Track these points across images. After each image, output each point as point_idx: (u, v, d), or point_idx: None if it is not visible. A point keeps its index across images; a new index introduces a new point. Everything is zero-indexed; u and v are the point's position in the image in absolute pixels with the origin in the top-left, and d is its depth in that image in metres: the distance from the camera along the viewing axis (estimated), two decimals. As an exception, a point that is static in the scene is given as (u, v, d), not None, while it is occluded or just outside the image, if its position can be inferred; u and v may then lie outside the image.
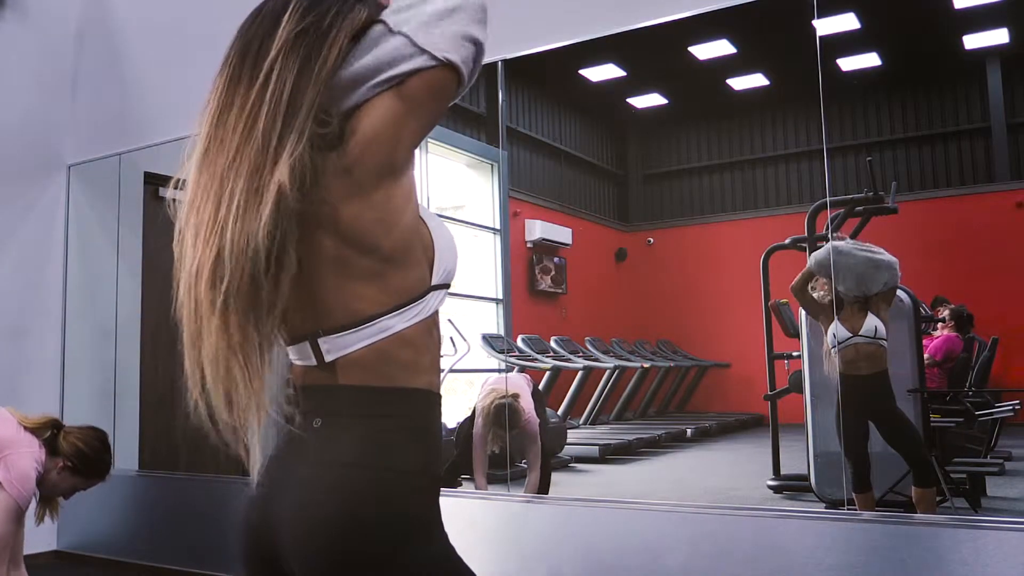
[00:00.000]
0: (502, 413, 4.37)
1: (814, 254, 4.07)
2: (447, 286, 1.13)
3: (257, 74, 1.03)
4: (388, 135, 1.06)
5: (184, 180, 1.07)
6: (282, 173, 0.98)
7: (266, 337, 1.03)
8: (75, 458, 2.75)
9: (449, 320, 6.68)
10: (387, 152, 1.06)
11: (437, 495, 1.11)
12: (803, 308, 4.12)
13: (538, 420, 4.58)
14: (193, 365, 1.06)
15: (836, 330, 3.77)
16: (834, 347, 3.78)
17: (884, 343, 3.79)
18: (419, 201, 1.13)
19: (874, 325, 3.77)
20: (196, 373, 1.06)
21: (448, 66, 1.07)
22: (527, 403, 4.56)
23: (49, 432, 2.74)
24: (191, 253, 1.02)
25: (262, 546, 1.11)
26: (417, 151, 1.12)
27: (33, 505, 2.77)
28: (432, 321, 1.12)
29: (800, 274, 3.99)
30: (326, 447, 1.07)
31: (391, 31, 1.07)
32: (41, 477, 2.68)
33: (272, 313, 1.02)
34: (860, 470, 3.80)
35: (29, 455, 2.64)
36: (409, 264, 1.09)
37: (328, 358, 1.08)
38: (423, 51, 1.05)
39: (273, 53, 1.04)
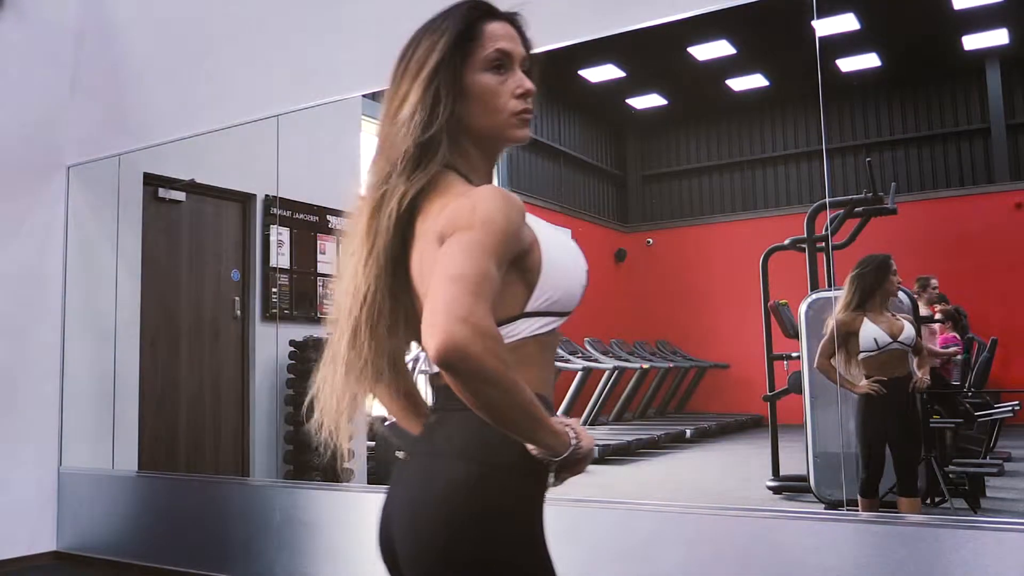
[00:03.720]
0: None
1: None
2: (553, 313, 1.15)
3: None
4: None
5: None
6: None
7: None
8: None
9: None
10: None
11: (534, 490, 1.11)
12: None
13: None
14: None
15: (878, 335, 3.73)
16: (872, 351, 3.72)
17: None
18: (538, 225, 1.15)
19: (912, 332, 3.79)
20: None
21: None
22: None
23: None
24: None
25: (386, 540, 1.18)
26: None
27: None
28: (537, 342, 1.14)
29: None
30: (432, 440, 1.15)
31: None
32: None
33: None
34: (875, 475, 3.76)
35: None
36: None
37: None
38: None
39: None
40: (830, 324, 3.81)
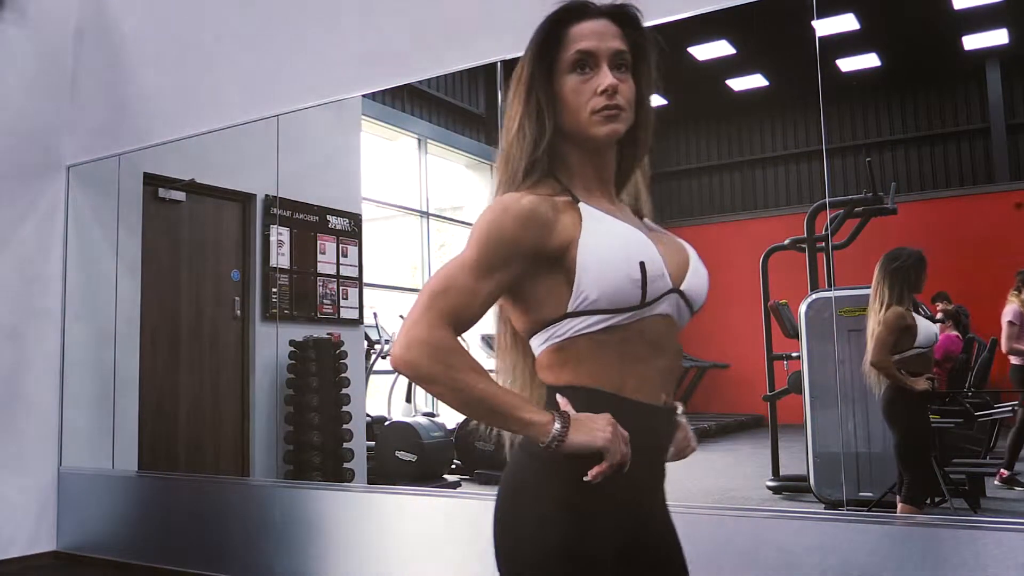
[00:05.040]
0: None
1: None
2: (601, 311, 1.15)
3: None
4: None
5: None
6: None
7: None
8: None
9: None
10: None
11: (567, 481, 1.11)
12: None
13: None
14: None
15: (935, 330, 3.63)
16: (926, 347, 3.58)
17: None
18: (592, 223, 1.18)
19: (934, 332, 3.71)
20: None
21: None
22: None
23: None
24: None
25: None
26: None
27: None
28: (590, 340, 1.16)
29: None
30: None
31: None
32: None
33: None
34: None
35: None
36: (531, 309, 1.21)
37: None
38: None
39: None
40: (878, 320, 3.60)
